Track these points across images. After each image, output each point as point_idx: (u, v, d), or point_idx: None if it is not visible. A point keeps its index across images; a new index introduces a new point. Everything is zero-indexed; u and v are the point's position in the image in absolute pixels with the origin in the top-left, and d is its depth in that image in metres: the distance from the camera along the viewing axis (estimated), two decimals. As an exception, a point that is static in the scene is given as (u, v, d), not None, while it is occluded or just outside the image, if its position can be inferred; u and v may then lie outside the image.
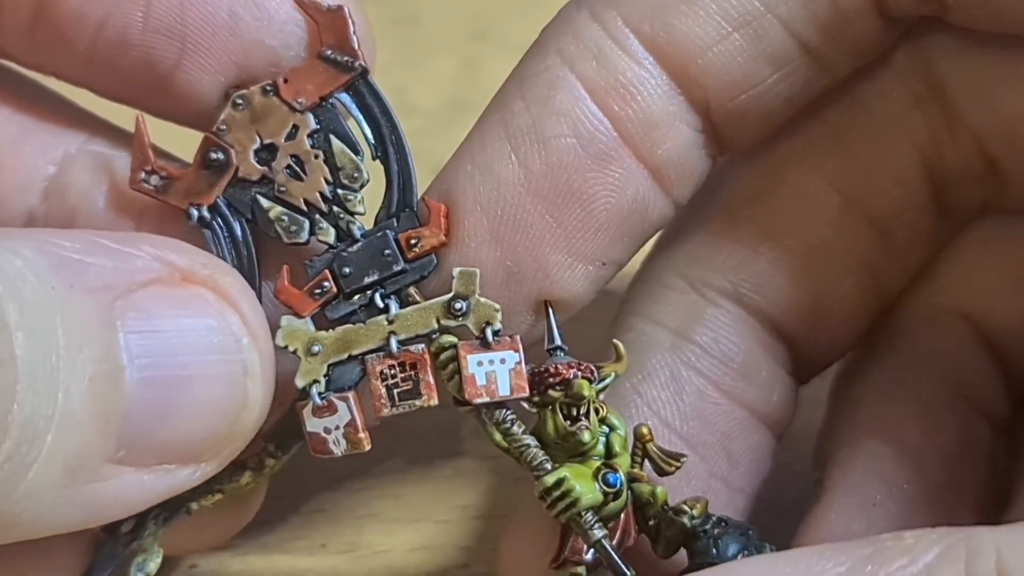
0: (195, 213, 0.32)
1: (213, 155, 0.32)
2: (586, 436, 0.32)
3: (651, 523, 0.33)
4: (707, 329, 0.35)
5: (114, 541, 0.33)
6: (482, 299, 0.32)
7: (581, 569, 0.32)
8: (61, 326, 0.28)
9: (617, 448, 0.32)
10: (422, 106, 0.51)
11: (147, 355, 0.29)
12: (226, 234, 0.32)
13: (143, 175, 0.32)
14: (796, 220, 0.35)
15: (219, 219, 0.32)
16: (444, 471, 0.38)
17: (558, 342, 0.33)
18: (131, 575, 0.33)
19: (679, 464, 0.33)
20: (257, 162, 0.32)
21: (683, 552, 0.33)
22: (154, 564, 0.33)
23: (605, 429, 0.32)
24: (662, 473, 0.33)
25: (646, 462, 0.33)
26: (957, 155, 0.35)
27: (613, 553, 0.32)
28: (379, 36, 0.59)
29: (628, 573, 0.32)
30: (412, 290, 0.32)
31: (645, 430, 0.33)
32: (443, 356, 0.32)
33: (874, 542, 0.27)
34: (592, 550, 0.32)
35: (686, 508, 0.32)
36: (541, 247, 0.31)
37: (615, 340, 0.33)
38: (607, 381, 0.33)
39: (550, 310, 0.33)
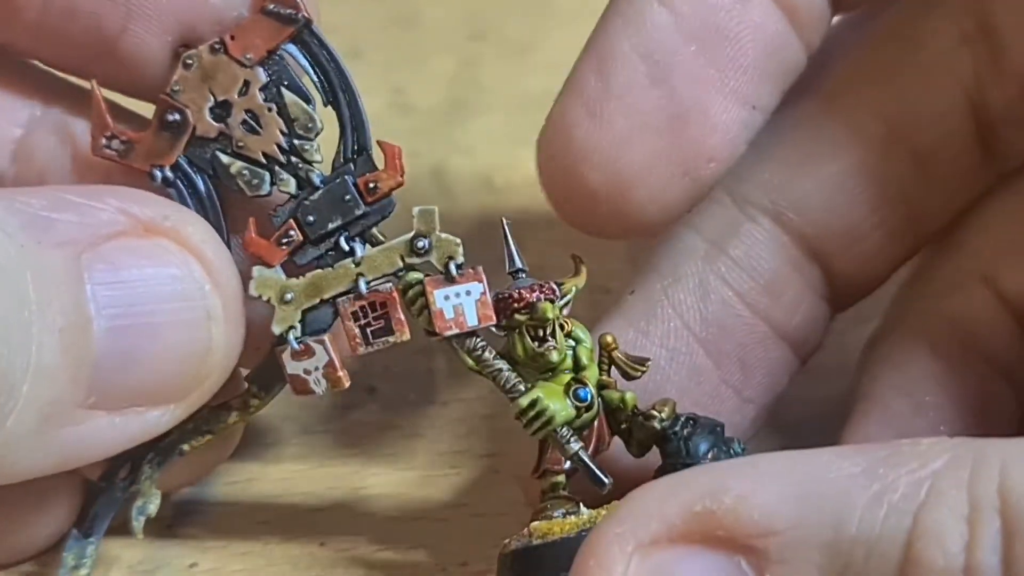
0: (158, 174, 0.33)
1: (170, 116, 0.33)
2: (554, 356, 0.33)
3: (623, 427, 0.34)
4: (741, 243, 0.37)
5: (112, 488, 0.34)
6: (443, 235, 0.33)
7: (561, 477, 0.34)
8: (32, 282, 0.29)
9: (584, 360, 0.34)
10: (420, 105, 0.51)
11: (114, 305, 0.30)
12: (190, 192, 0.33)
13: (104, 141, 0.33)
14: (839, 145, 0.37)
15: (182, 178, 0.33)
16: (443, 470, 0.38)
17: (519, 264, 0.34)
18: (133, 518, 0.34)
19: (644, 368, 0.34)
20: (213, 119, 0.33)
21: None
22: (153, 506, 0.34)
23: (572, 343, 0.34)
24: (628, 378, 0.34)
25: (613, 369, 0.34)
26: (1001, 95, 0.36)
27: (590, 463, 0.33)
28: (378, 36, 0.59)
29: (605, 480, 0.33)
30: (375, 231, 0.33)
31: (609, 339, 0.34)
32: (411, 293, 0.33)
33: (892, 446, 0.28)
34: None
35: (655, 412, 0.34)
36: (700, 87, 0.33)
37: (573, 254, 0.34)
38: (568, 297, 0.34)
39: (507, 231, 0.34)
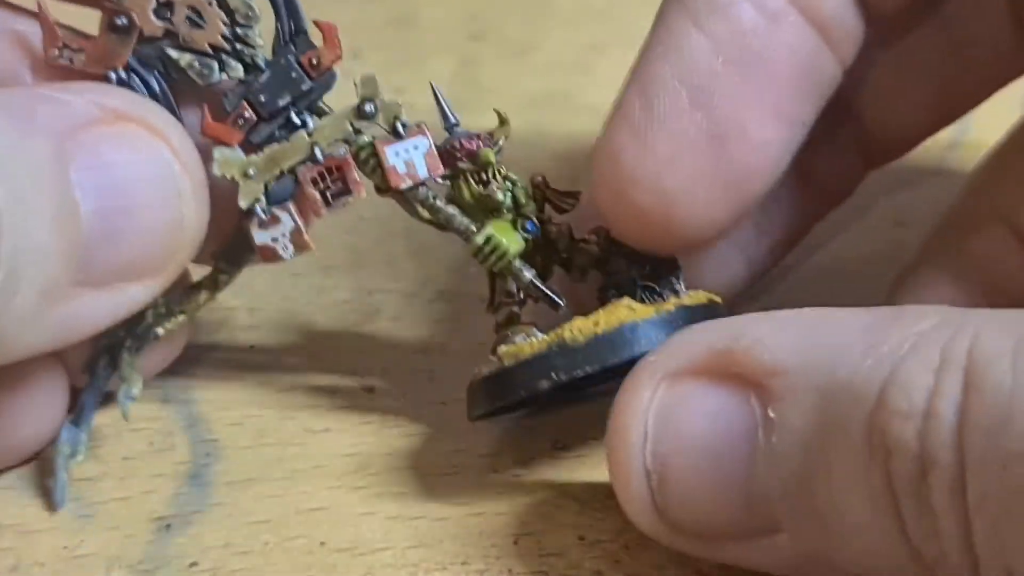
0: (113, 76, 0.36)
1: (117, 21, 0.35)
2: (499, 195, 0.37)
3: (563, 256, 0.38)
4: None
5: (96, 378, 0.38)
6: (386, 99, 0.36)
7: (516, 308, 0.37)
8: (23, 171, 0.31)
9: (523, 199, 0.37)
10: (420, 105, 0.51)
11: (97, 188, 0.33)
12: (144, 90, 0.36)
13: (56, 52, 0.35)
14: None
15: (136, 78, 0.36)
16: (443, 469, 0.39)
17: (452, 120, 0.37)
18: (120, 402, 0.37)
19: (575, 201, 0.38)
20: (158, 19, 0.36)
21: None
22: (137, 389, 0.37)
23: (509, 185, 0.37)
24: (561, 211, 0.38)
25: (547, 206, 0.38)
26: None
27: (544, 288, 0.37)
28: (378, 36, 0.59)
29: (559, 301, 0.37)
30: (322, 104, 0.36)
31: (539, 179, 0.38)
32: (363, 155, 0.36)
33: (897, 309, 0.31)
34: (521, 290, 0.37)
35: (592, 238, 0.37)
36: (738, 108, 0.34)
37: (495, 108, 0.38)
38: (500, 143, 0.37)
39: (438, 91, 0.38)
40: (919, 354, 0.29)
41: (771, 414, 0.30)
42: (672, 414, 0.32)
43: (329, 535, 0.36)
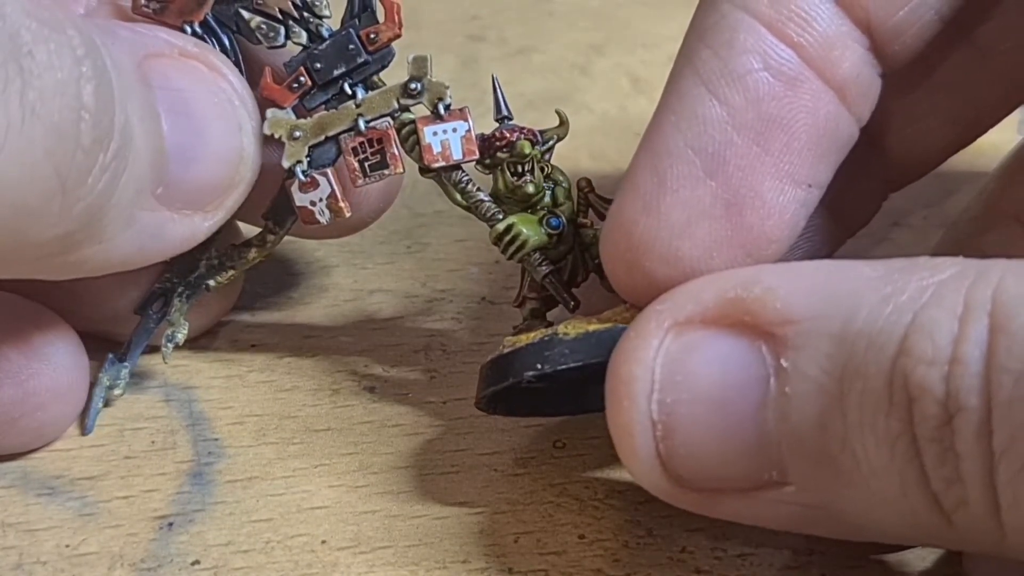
0: (188, 29, 0.39)
1: None
2: (530, 188, 0.38)
3: (597, 262, 0.38)
4: None
5: (147, 319, 0.41)
6: (434, 79, 0.39)
7: (539, 304, 0.39)
8: (116, 68, 0.32)
9: (561, 199, 0.39)
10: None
11: (172, 108, 0.36)
12: (216, 46, 0.39)
13: (143, 1, 0.39)
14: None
15: (209, 33, 0.39)
16: (443, 468, 0.39)
17: (505, 112, 0.39)
18: (163, 344, 0.41)
19: None
20: None
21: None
22: (182, 335, 0.41)
23: (550, 184, 0.39)
24: (603, 217, 0.38)
25: (590, 211, 0.39)
26: None
27: (559, 286, 0.39)
28: (378, 37, 0.59)
29: (570, 303, 0.39)
30: (376, 78, 0.39)
31: (583, 182, 0.39)
32: (404, 131, 0.39)
33: (912, 260, 0.31)
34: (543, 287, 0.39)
35: None
36: (753, 175, 0.34)
37: (557, 108, 0.39)
38: (550, 143, 0.39)
39: (497, 83, 0.39)
40: (942, 301, 0.29)
41: (784, 363, 0.30)
42: (681, 363, 0.32)
43: (330, 533, 0.37)
